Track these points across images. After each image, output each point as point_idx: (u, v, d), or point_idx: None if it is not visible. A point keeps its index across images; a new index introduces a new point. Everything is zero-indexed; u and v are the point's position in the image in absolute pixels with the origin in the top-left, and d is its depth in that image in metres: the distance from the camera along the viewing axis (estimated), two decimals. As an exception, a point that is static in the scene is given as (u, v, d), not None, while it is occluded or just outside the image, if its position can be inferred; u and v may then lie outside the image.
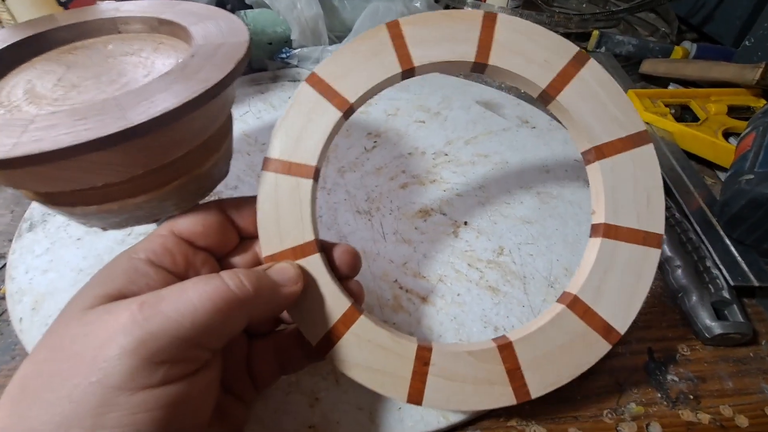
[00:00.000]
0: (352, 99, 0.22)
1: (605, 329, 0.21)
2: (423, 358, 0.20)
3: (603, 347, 0.21)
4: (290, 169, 0.21)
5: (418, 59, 0.22)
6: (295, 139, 0.21)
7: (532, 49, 0.22)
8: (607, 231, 0.22)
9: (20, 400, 0.14)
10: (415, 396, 0.20)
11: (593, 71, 0.22)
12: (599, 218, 0.22)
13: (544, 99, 0.23)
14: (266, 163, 0.21)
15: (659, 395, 0.25)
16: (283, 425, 0.22)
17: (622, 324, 0.21)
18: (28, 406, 0.14)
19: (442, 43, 0.22)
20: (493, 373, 0.21)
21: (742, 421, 0.24)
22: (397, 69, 0.22)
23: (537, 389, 0.21)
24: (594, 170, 0.22)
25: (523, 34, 0.22)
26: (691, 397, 0.25)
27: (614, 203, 0.22)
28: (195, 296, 0.15)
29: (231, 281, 0.17)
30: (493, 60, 0.22)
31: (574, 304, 0.21)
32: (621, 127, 0.22)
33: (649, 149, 0.22)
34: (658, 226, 0.22)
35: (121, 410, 0.13)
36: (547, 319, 0.21)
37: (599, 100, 0.22)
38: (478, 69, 0.23)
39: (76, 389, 0.13)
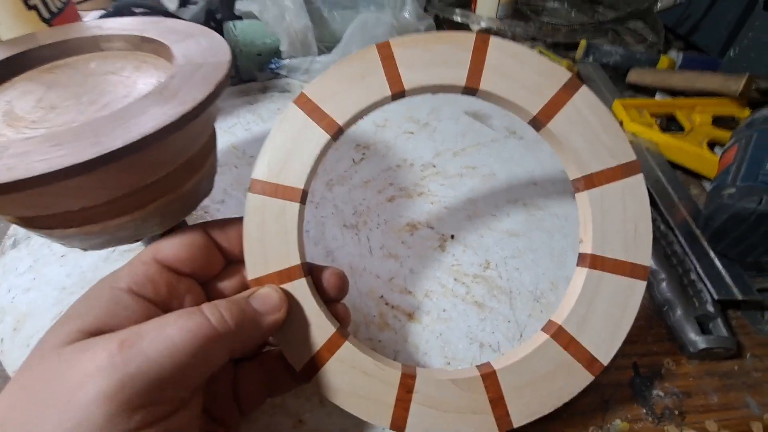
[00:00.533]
0: (341, 121, 0.21)
1: (588, 360, 0.21)
2: (407, 385, 0.20)
3: (585, 378, 0.21)
4: (277, 191, 0.21)
5: (408, 82, 0.22)
6: (282, 161, 0.21)
7: (523, 74, 0.22)
8: (594, 262, 0.21)
9: None
10: (398, 423, 0.20)
11: (585, 98, 0.22)
12: (586, 248, 0.22)
13: (535, 125, 0.23)
14: (252, 184, 0.21)
15: (644, 411, 0.25)
16: (266, 447, 0.22)
17: (605, 355, 0.21)
18: None
19: (433, 66, 0.22)
20: (477, 402, 0.20)
21: (727, 436, 0.24)
22: (387, 92, 0.22)
23: (519, 419, 0.20)
24: (583, 199, 0.22)
25: (515, 59, 0.22)
26: (677, 412, 0.25)
27: (602, 234, 0.22)
28: (176, 333, 0.15)
29: (212, 316, 0.16)
30: (484, 85, 0.22)
31: (558, 334, 0.21)
32: (612, 156, 0.22)
33: (638, 179, 0.22)
34: (645, 258, 0.21)
35: None
36: (531, 348, 0.21)
37: (591, 127, 0.22)
38: (470, 92, 0.23)
39: None
